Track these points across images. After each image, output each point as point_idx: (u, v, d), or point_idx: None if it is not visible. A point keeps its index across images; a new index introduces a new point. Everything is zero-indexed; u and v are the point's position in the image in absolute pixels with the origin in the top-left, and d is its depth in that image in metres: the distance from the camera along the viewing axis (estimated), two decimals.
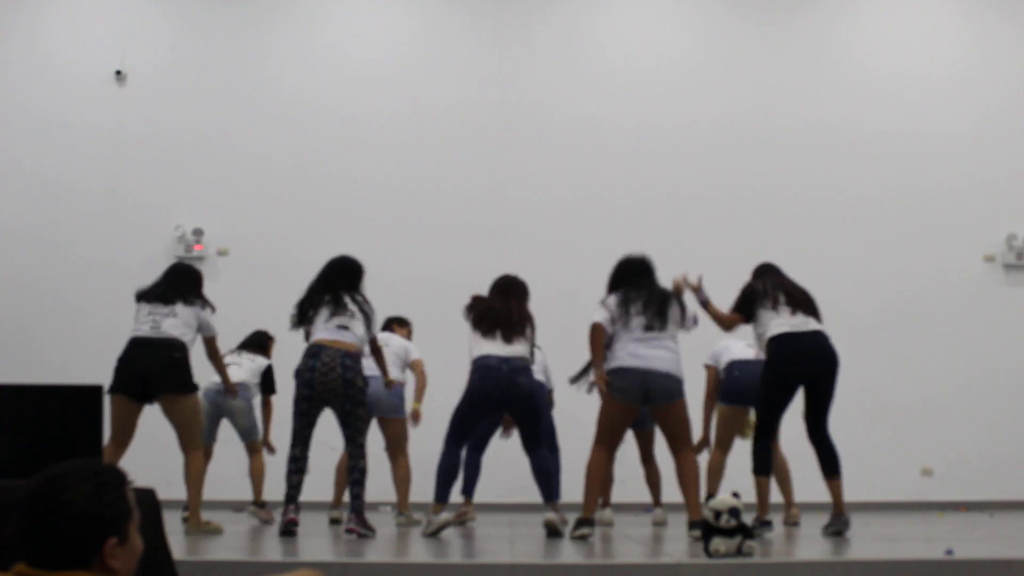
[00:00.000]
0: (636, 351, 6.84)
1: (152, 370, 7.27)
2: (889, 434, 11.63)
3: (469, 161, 11.99)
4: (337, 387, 7.15)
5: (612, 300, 7.07)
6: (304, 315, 7.43)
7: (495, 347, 7.22)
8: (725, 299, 7.56)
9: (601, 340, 6.97)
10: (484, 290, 7.70)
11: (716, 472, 8.32)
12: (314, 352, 7.21)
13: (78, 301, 11.63)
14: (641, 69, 12.21)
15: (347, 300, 7.39)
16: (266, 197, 11.86)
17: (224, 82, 12.04)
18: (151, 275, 11.71)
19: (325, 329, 7.28)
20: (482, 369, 7.20)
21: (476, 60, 12.17)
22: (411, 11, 12.41)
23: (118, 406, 7.28)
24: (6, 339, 11.45)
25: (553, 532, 7.00)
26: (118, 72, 11.98)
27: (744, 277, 7.76)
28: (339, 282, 7.48)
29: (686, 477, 6.89)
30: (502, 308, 7.35)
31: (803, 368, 7.21)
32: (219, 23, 12.20)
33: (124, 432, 7.33)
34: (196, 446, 7.44)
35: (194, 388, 7.41)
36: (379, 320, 7.71)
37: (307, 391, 7.18)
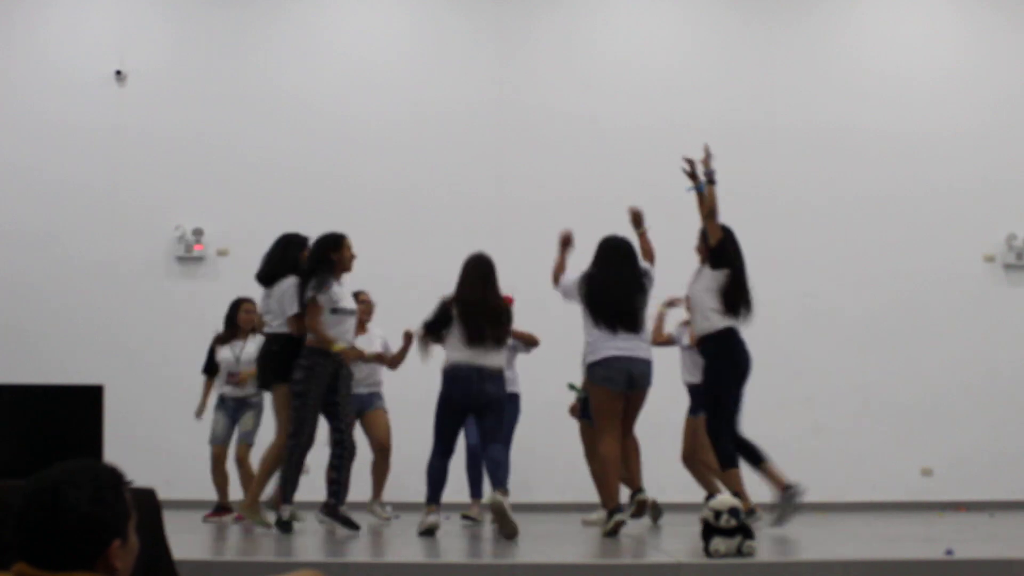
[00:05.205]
0: (618, 344, 7.48)
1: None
2: (889, 434, 11.61)
3: (469, 161, 11.98)
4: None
5: (576, 286, 7.86)
6: None
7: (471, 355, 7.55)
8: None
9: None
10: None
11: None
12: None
13: (78, 301, 11.62)
14: (641, 69, 12.20)
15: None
16: (266, 197, 11.84)
17: (224, 82, 12.03)
18: (151, 275, 11.86)
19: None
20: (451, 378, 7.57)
21: (476, 60, 12.16)
22: (411, 11, 12.40)
23: None
24: (6, 339, 11.44)
25: (499, 512, 6.91)
26: (118, 72, 11.97)
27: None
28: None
29: (634, 454, 7.78)
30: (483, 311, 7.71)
31: (746, 368, 7.57)
32: (219, 23, 12.19)
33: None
34: (279, 434, 7.75)
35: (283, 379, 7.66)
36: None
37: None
